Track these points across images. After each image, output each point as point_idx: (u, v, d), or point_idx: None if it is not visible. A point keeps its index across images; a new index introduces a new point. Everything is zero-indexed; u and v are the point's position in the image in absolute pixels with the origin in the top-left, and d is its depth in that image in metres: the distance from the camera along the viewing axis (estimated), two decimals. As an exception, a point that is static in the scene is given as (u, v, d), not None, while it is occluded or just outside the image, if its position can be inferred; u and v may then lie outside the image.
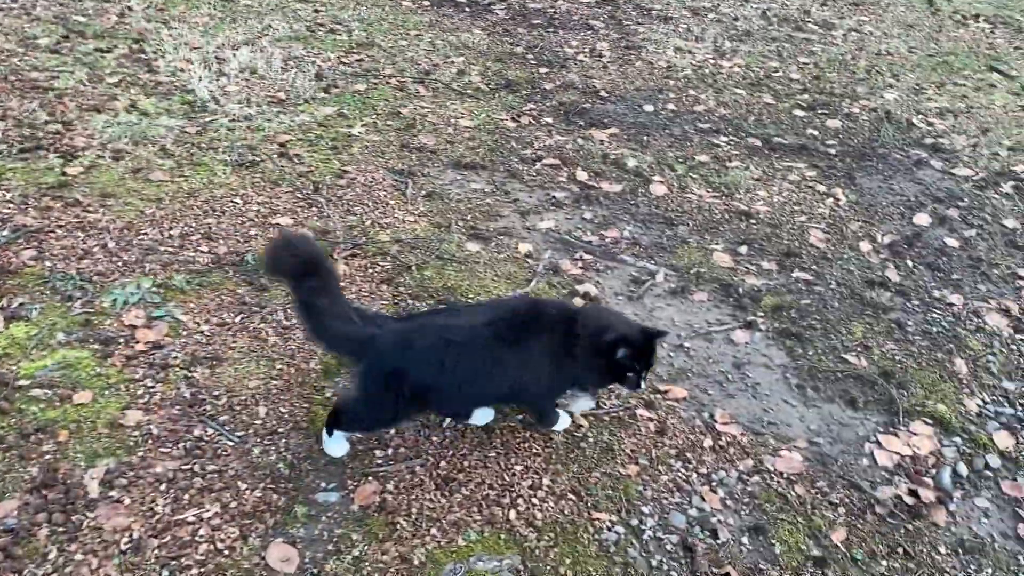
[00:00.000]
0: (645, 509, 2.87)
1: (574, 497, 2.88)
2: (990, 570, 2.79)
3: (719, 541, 2.79)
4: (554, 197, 4.74)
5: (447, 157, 5.04)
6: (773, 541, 2.81)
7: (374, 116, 5.46)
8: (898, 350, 3.71)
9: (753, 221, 4.65)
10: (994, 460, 3.19)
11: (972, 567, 2.80)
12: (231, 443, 2.94)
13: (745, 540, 2.81)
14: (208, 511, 2.70)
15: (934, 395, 3.46)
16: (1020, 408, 3.45)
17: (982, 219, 4.83)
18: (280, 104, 5.48)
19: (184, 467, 2.84)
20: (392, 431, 3.06)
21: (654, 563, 2.70)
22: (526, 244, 4.27)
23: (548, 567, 2.64)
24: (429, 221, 4.40)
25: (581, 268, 4.15)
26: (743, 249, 4.38)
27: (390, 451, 2.99)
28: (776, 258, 4.34)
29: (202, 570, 2.52)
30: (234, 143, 4.89)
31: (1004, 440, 3.27)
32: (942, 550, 2.84)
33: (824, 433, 3.27)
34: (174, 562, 2.53)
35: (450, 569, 2.59)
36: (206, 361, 3.30)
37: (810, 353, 3.67)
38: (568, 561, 2.66)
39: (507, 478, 2.91)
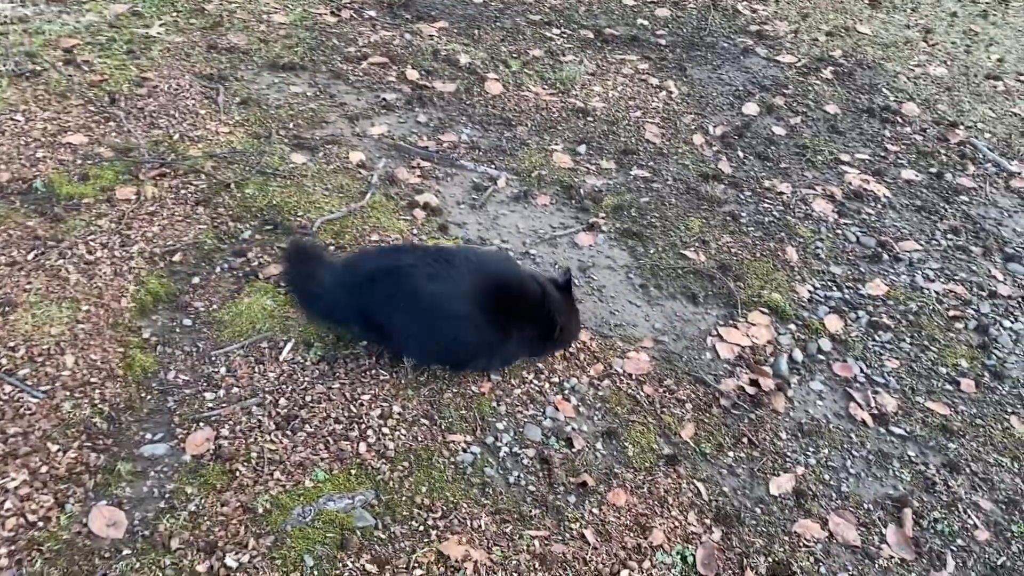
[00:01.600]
0: (500, 425, 2.80)
1: (427, 422, 2.76)
2: (827, 450, 2.92)
3: (575, 450, 2.77)
4: (384, 99, 4.45)
5: (261, 58, 4.60)
6: (626, 444, 2.82)
7: (174, 13, 4.89)
8: (733, 243, 3.78)
9: (590, 119, 4.55)
10: (825, 344, 3.32)
11: (811, 449, 2.92)
12: (35, 399, 2.61)
13: (599, 446, 2.80)
14: (14, 480, 2.39)
15: (769, 284, 3.55)
16: (847, 291, 3.60)
17: (806, 106, 4.96)
18: (61, 2, 4.79)
19: (-20, 433, 2.49)
20: (223, 369, 2.81)
21: (511, 479, 2.64)
22: (358, 153, 3.99)
23: (404, 497, 2.53)
24: (246, 131, 4.02)
25: (419, 177, 3.93)
26: (582, 149, 4.29)
27: (221, 392, 2.75)
28: (614, 156, 4.28)
29: (12, 548, 2.23)
30: (8, 50, 4.24)
31: (833, 323, 3.42)
32: (783, 436, 2.95)
33: (668, 331, 3.29)
34: (-23, 543, 2.23)
35: (298, 513, 2.43)
36: (-4, 308, 2.89)
37: (651, 252, 3.66)
38: (424, 489, 2.56)
39: (354, 409, 2.75)
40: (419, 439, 2.70)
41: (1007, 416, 3.15)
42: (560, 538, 2.50)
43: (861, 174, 4.37)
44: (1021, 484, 2.92)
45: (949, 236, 4.02)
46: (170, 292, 3.09)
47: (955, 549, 2.68)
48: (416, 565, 2.36)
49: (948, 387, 3.24)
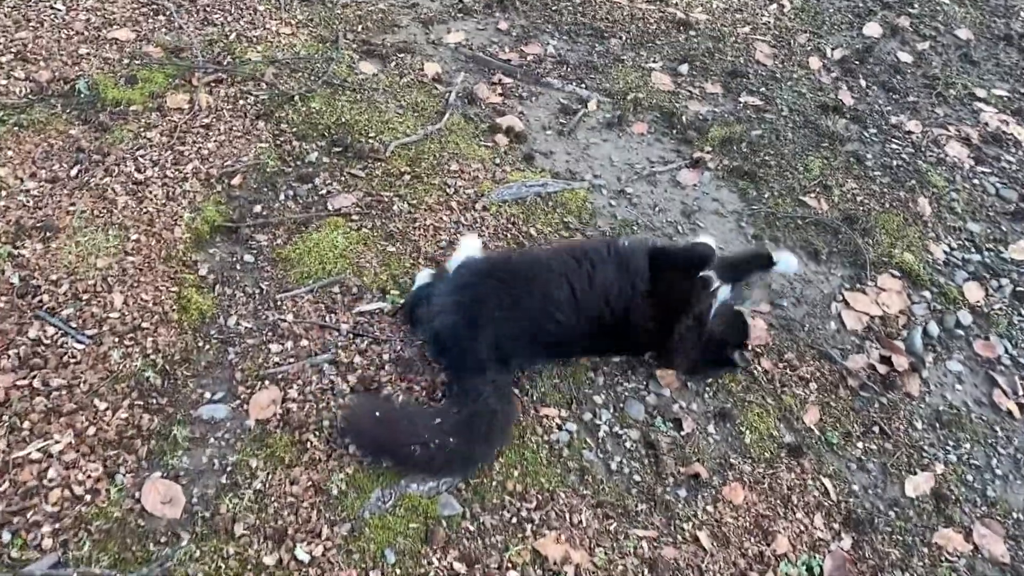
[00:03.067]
0: (598, 399, 2.46)
1: (516, 391, 2.42)
2: (968, 445, 2.56)
3: (683, 433, 2.42)
4: (461, 1, 3.95)
5: (327, -52, 4.09)
6: (742, 429, 2.47)
7: None
8: (859, 189, 3.31)
9: (692, 33, 4.02)
10: (965, 317, 2.90)
11: (950, 443, 2.55)
12: (81, 346, 2.30)
13: (712, 429, 2.46)
14: (58, 443, 2.10)
15: (900, 242, 3.11)
16: (987, 253, 3.15)
17: (934, 28, 4.37)
18: None
19: (20, 383, 2.19)
20: (290, 316, 2.48)
21: (613, 466, 2.31)
22: (433, 64, 3.54)
23: (494, 482, 2.22)
24: (310, 34, 3.57)
25: (501, 95, 3.49)
26: (684, 68, 3.79)
27: (289, 344, 2.42)
28: (720, 79, 3.78)
29: (57, 526, 1.96)
30: (46, -74, 3.78)
31: (973, 293, 2.99)
32: (919, 425, 2.58)
33: (787, 293, 2.89)
34: (18, 518, 1.96)
35: (377, 497, 2.13)
36: (36, 233, 2.55)
37: (765, 196, 3.22)
38: (516, 472, 2.25)
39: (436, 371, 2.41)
40: (511, 411, 2.36)
41: None
42: (671, 540, 2.19)
43: (999, 114, 3.83)
44: None
45: (1101, 193, 3.51)
46: (229, 221, 2.73)
47: (1120, 574, 2.33)
48: (510, 565, 2.06)
49: (1107, 375, 2.83)
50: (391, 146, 3.09)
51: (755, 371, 2.62)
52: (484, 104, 3.41)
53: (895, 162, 3.48)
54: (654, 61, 3.81)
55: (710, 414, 2.49)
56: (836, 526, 2.30)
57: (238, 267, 2.62)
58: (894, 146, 3.56)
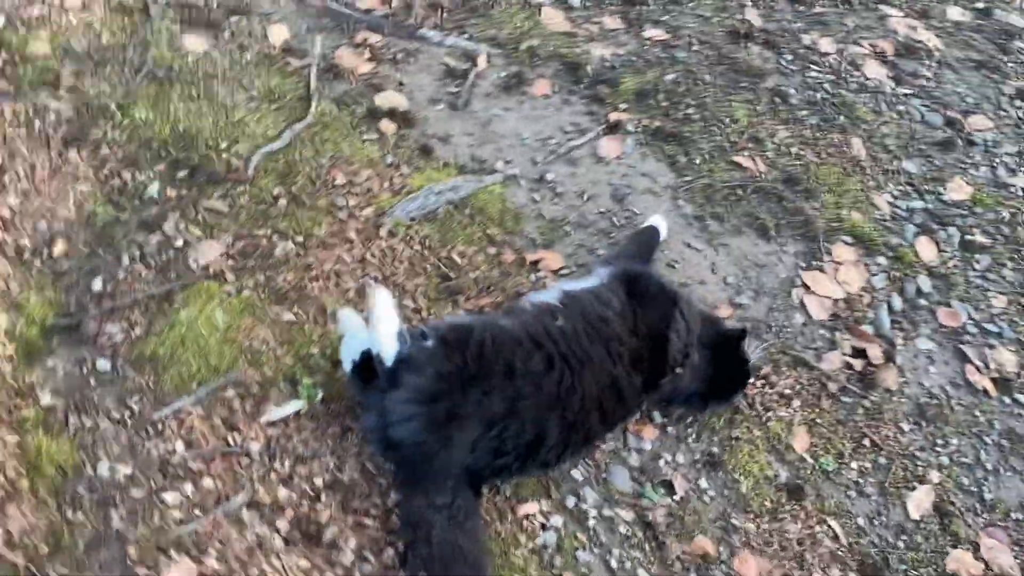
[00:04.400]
0: (577, 475, 2.10)
1: (487, 491, 2.00)
2: (955, 440, 2.39)
3: (677, 497, 2.11)
4: (294, -69, 3.16)
5: None
6: (735, 475, 2.19)
7: None
8: (792, 138, 2.97)
9: (575, -50, 3.43)
10: (925, 283, 2.69)
11: (938, 442, 2.38)
12: None
13: (704, 483, 2.16)
14: None
15: (844, 199, 2.83)
16: (928, 198, 2.94)
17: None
18: None
19: None
20: (179, 446, 1.91)
21: (613, 563, 1.98)
22: (278, 27, 2.82)
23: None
24: (110, 4, 2.73)
25: (371, 60, 2.86)
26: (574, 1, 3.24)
27: (188, 488, 1.87)
28: (618, 9, 3.26)
29: None
30: None
31: (927, 251, 2.77)
32: (906, 427, 2.39)
33: (744, 285, 2.57)
34: None
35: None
36: None
37: (697, 161, 2.83)
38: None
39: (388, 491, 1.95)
40: (487, 518, 1.95)
41: None
42: (695, 645, 1.90)
43: (906, 18, 3.55)
44: None
45: (1017, 104, 3.35)
46: (65, 314, 2.06)
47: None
48: None
49: (1065, 327, 2.73)
50: (253, 160, 2.44)
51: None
52: (354, 77, 2.77)
53: (819, 95, 3.15)
54: (540, -7, 3.22)
55: (699, 464, 2.19)
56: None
57: (92, 381, 1.99)
58: (814, 74, 3.22)
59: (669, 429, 2.23)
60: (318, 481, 1.92)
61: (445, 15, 3.05)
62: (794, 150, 2.94)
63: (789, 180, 2.83)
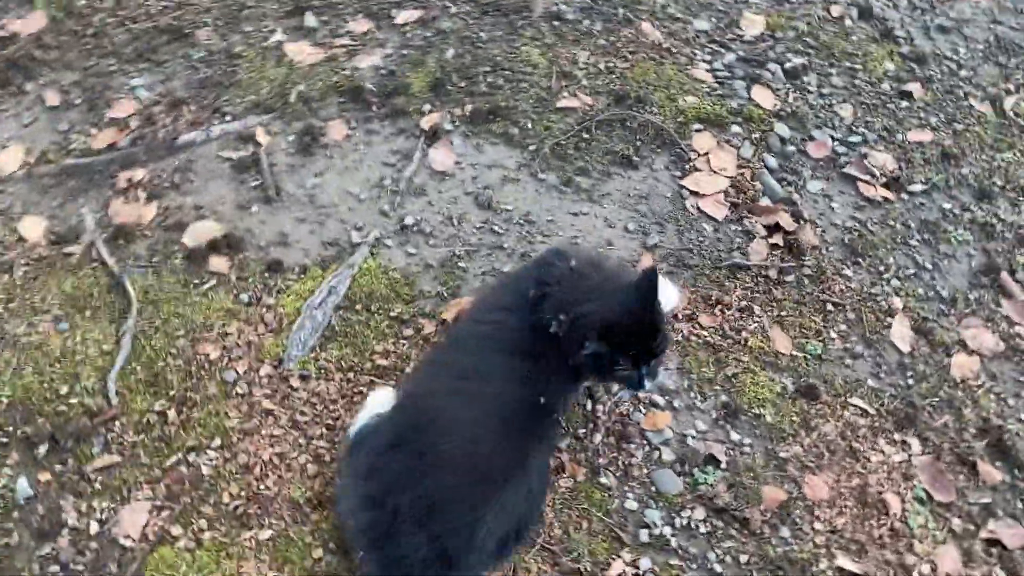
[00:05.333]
0: (631, 504, 2.00)
1: (559, 571, 1.87)
2: (890, 259, 2.50)
3: (724, 465, 2.06)
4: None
5: None
6: (751, 408, 2.17)
7: None
8: (592, 54, 2.86)
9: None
10: (782, 129, 2.72)
11: (880, 268, 2.48)
12: None
13: (734, 435, 2.13)
14: None
15: (672, 89, 2.77)
16: (734, 45, 2.94)
17: None
18: None
19: None
20: None
21: (718, 567, 1.92)
22: (29, 220, 2.35)
23: None
24: None
25: (149, 200, 2.44)
26: (311, 20, 2.89)
27: None
28: (359, 7, 2.95)
29: None
30: None
31: (764, 97, 2.79)
32: (847, 272, 2.46)
33: (644, 223, 2.49)
34: None
35: None
36: None
37: (528, 126, 2.66)
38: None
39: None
40: (588, 608, 1.83)
41: (966, 99, 2.88)
42: (827, 591, 1.90)
43: None
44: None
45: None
46: None
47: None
48: None
49: (903, 103, 2.86)
50: (109, 388, 2.05)
51: (701, 334, 2.26)
52: (146, 228, 2.37)
53: (587, -3, 3.03)
54: (269, 31, 2.85)
55: (719, 420, 2.14)
56: (897, 437, 2.15)
57: None
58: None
59: (675, 402, 2.15)
60: None
61: (189, 108, 2.63)
62: (602, 65, 2.83)
63: (617, 98, 2.74)
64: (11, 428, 1.97)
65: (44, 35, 2.78)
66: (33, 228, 2.33)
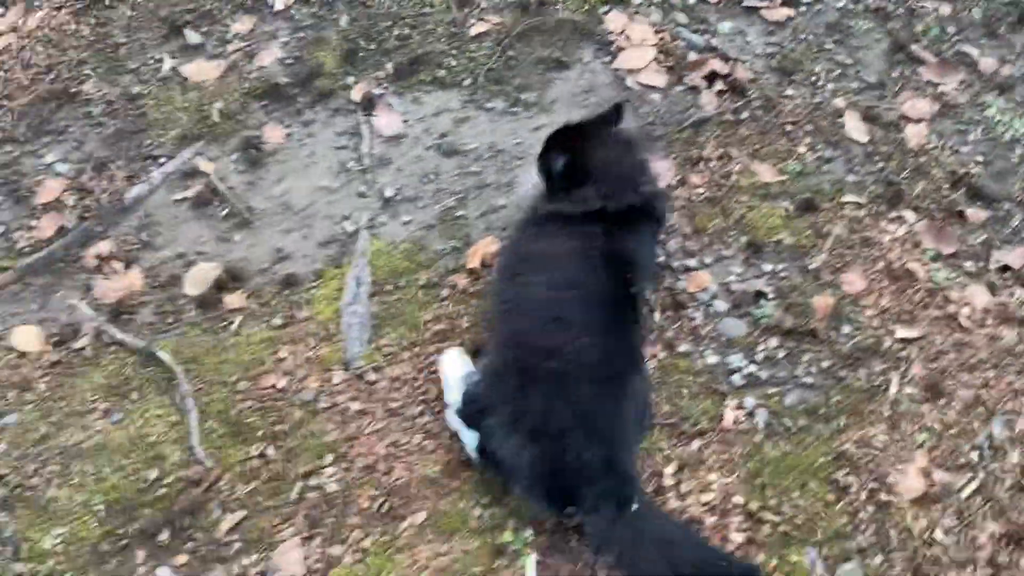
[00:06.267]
0: (712, 359, 2.15)
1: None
2: (820, 66, 2.69)
3: (771, 296, 2.25)
4: None
5: None
6: (771, 238, 2.34)
7: None
8: None
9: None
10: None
11: (814, 71, 2.67)
12: None
13: (768, 267, 2.30)
14: None
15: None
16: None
17: None
18: None
19: None
20: None
21: (807, 378, 2.12)
22: (23, 330, 2.21)
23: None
24: None
25: (129, 265, 2.35)
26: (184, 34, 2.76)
27: None
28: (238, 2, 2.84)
29: None
30: None
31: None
32: (790, 91, 2.65)
33: (586, 99, 2.58)
34: None
35: None
36: None
37: (454, 64, 2.68)
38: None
39: None
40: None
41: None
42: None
43: None
44: None
45: None
46: None
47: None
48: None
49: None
50: (198, 452, 2.01)
51: (703, 196, 2.42)
52: (138, 301, 2.29)
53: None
54: (157, 61, 2.71)
55: (748, 260, 2.32)
56: (892, 215, 2.39)
57: None
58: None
59: (707, 260, 2.31)
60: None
61: (120, 163, 2.50)
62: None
63: (522, 8, 2.81)
64: (122, 530, 1.92)
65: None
66: (28, 339, 2.20)
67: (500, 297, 2.06)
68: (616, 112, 2.17)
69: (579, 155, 2.04)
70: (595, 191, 1.97)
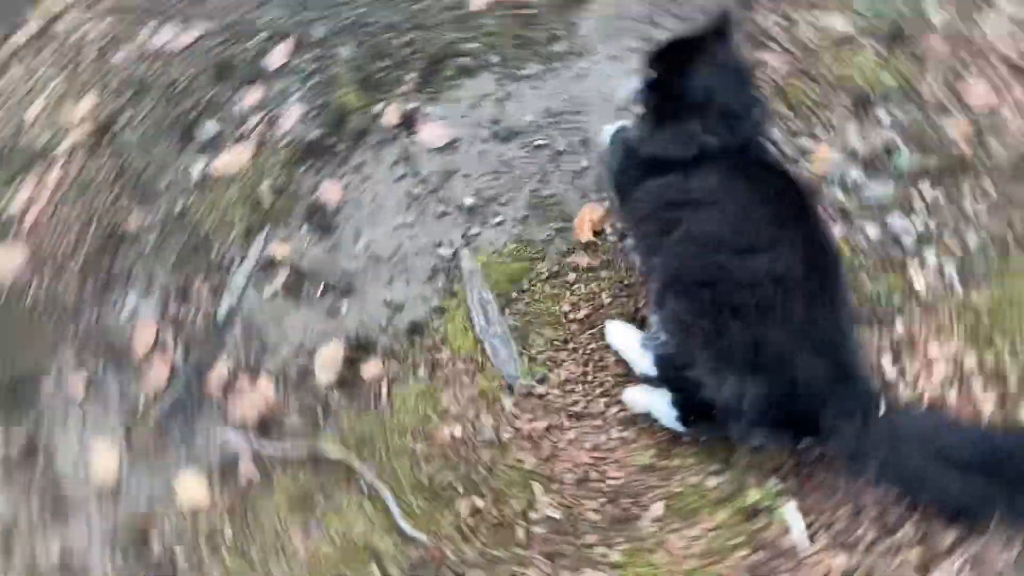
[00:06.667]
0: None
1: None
2: None
3: (900, 146, 2.07)
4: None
5: None
6: (882, 86, 2.16)
7: None
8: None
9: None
10: None
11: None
12: None
13: (885, 118, 2.12)
14: None
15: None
16: None
17: None
18: None
19: None
20: None
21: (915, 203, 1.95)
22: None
23: None
24: None
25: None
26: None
27: None
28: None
29: None
30: None
31: None
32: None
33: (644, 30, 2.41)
34: None
35: None
36: None
37: (473, 49, 2.52)
38: None
39: None
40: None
41: None
42: None
43: None
44: None
45: None
46: None
47: None
48: None
49: None
50: (413, 534, 1.92)
51: (782, 74, 2.24)
52: (287, 398, 2.19)
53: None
54: (185, 170, 2.60)
55: (859, 116, 2.15)
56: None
57: None
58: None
59: (818, 133, 2.14)
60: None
61: (197, 283, 2.40)
62: None
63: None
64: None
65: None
66: (193, 485, 2.12)
67: (663, 251, 1.82)
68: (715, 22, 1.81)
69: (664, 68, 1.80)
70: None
